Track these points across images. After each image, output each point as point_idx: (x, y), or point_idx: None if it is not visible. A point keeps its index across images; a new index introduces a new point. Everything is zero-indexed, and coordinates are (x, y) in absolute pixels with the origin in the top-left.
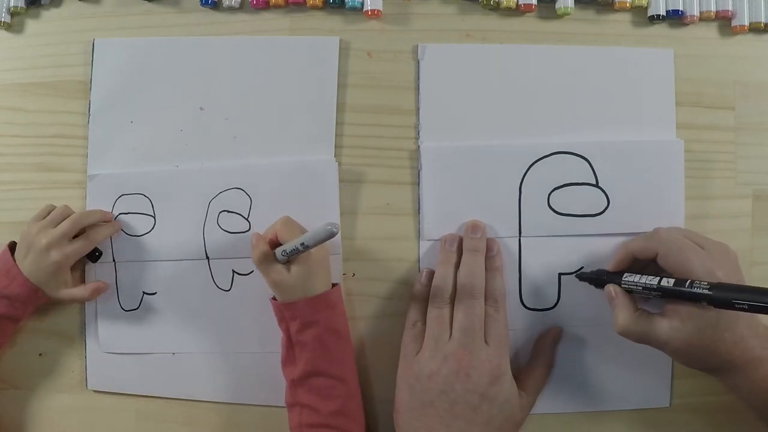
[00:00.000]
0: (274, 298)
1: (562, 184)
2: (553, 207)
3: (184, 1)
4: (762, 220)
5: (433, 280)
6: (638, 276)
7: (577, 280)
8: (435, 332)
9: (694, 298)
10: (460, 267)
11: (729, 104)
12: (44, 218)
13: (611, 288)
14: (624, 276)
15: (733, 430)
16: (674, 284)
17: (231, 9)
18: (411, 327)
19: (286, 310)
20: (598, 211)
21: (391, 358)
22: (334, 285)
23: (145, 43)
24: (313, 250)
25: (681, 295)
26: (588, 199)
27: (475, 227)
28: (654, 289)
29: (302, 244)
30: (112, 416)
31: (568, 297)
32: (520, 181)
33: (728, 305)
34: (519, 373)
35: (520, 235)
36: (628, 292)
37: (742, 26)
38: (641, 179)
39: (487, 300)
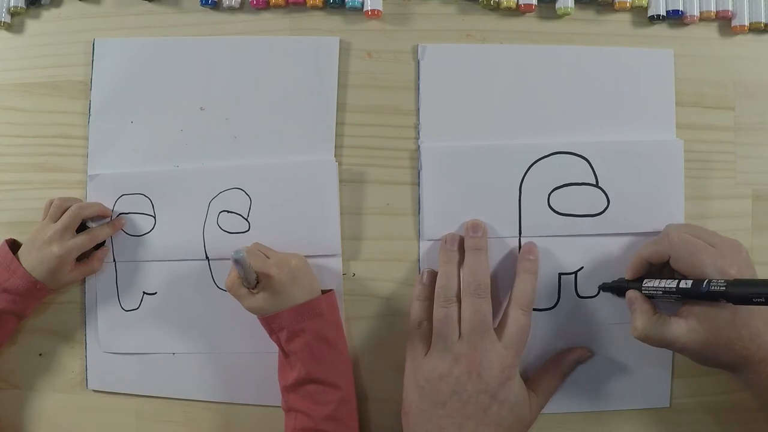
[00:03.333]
0: None
1: (562, 184)
2: (553, 207)
3: (184, 1)
4: (762, 220)
5: (437, 279)
6: (657, 281)
7: (575, 280)
8: (443, 332)
9: (712, 297)
10: (464, 266)
11: (729, 104)
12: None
13: (631, 293)
14: (644, 282)
15: (733, 430)
16: (692, 285)
17: (231, 9)
18: (416, 327)
19: (272, 322)
20: (598, 211)
21: (390, 358)
22: (326, 292)
23: (145, 43)
24: (274, 274)
25: (699, 295)
26: (588, 199)
27: (475, 226)
28: (673, 292)
29: (241, 274)
30: (112, 416)
31: (568, 297)
32: (520, 181)
33: (746, 301)
34: (531, 374)
35: (520, 235)
36: (650, 297)
37: (742, 26)
38: (641, 179)
39: (518, 303)
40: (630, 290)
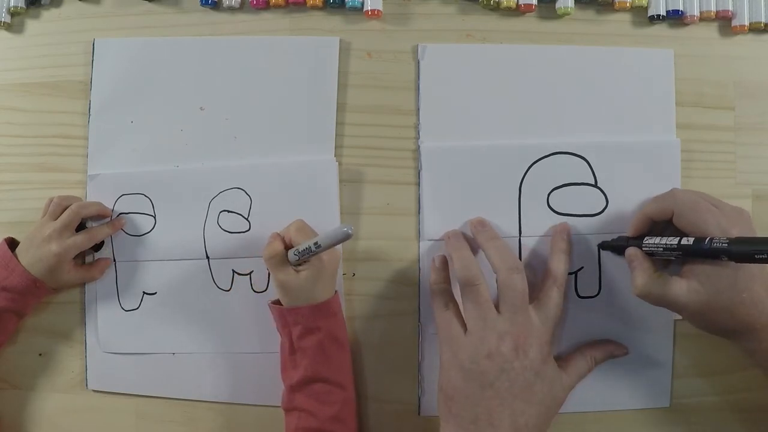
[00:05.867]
0: (273, 303)
1: (561, 184)
2: (552, 207)
3: (184, 1)
4: (762, 220)
5: (455, 265)
6: (658, 238)
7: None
8: (479, 311)
9: (714, 255)
10: (491, 254)
11: (729, 104)
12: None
13: (631, 250)
14: (644, 239)
15: (733, 430)
16: (694, 242)
17: (231, 9)
18: (444, 309)
19: (289, 315)
20: (597, 211)
21: (390, 357)
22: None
23: (145, 43)
24: (325, 257)
25: (701, 252)
26: (587, 199)
27: (482, 222)
28: (674, 249)
29: (316, 243)
30: (112, 416)
31: (568, 297)
32: (520, 181)
33: (749, 258)
34: (563, 354)
35: (520, 235)
36: (650, 255)
37: (742, 26)
38: (639, 179)
39: (554, 281)
40: (630, 247)
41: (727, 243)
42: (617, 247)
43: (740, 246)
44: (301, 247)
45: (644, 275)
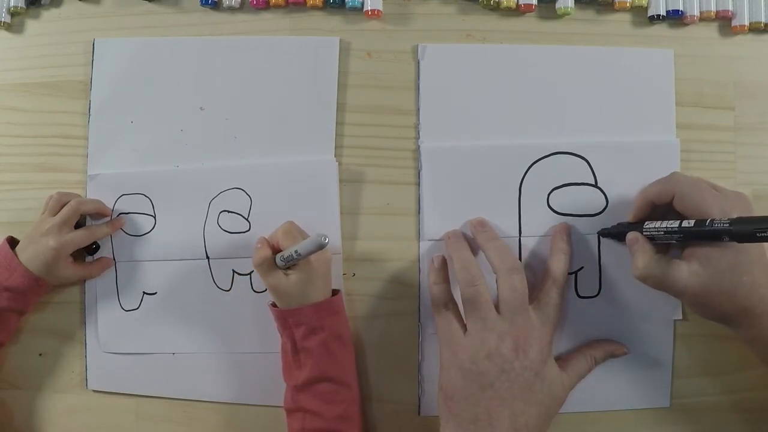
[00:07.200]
0: (273, 305)
1: (561, 184)
2: (552, 207)
3: (184, 1)
4: None
5: (455, 265)
6: (659, 222)
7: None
8: (479, 311)
9: (716, 236)
10: (490, 255)
11: (728, 104)
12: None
13: (632, 234)
14: (645, 224)
15: (733, 430)
16: (695, 223)
17: (231, 9)
18: (444, 310)
19: (291, 317)
20: (597, 211)
21: (390, 357)
22: (335, 291)
23: (145, 43)
24: (313, 260)
25: (703, 233)
26: (587, 199)
27: (482, 222)
28: (675, 231)
29: (296, 251)
30: (112, 416)
31: (568, 297)
32: (520, 181)
33: (750, 236)
34: (562, 355)
35: (520, 235)
36: (650, 239)
37: (742, 26)
38: (639, 179)
39: (554, 281)
40: (631, 232)
41: (728, 223)
42: (617, 234)
43: (742, 225)
44: (285, 254)
45: (645, 257)
